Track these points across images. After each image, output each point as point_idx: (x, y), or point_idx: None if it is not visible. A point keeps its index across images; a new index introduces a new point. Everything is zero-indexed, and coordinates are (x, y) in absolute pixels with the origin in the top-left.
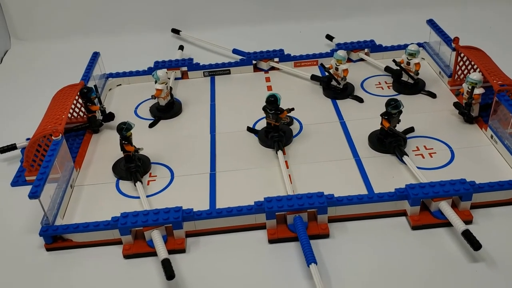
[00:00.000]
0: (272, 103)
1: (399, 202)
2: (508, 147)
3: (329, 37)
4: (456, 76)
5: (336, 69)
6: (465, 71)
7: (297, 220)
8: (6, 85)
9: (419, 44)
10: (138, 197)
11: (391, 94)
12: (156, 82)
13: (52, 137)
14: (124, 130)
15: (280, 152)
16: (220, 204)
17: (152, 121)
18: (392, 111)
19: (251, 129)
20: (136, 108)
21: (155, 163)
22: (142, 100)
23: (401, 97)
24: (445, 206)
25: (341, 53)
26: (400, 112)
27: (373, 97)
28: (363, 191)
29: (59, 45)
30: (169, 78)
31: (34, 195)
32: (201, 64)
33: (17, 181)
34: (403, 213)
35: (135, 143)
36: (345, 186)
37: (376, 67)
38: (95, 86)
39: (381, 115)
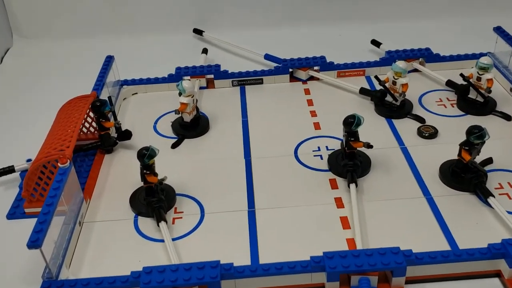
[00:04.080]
0: (348, 125)
1: (493, 262)
2: None
3: (376, 43)
4: None
5: (394, 83)
6: None
7: (364, 284)
8: (5, 90)
9: (482, 54)
10: (162, 240)
11: (456, 114)
12: (180, 94)
13: (58, 164)
14: (147, 157)
15: (353, 186)
16: (264, 255)
17: (175, 140)
18: (475, 141)
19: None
20: (155, 123)
21: (180, 194)
22: (162, 113)
23: (468, 118)
24: None
25: (402, 64)
26: (484, 142)
27: (435, 117)
28: (441, 240)
29: (66, 45)
30: None
31: (34, 244)
32: (229, 71)
33: (14, 212)
34: (496, 274)
35: (156, 167)
36: (418, 233)
37: (433, 80)
38: (109, 98)
39: (461, 145)
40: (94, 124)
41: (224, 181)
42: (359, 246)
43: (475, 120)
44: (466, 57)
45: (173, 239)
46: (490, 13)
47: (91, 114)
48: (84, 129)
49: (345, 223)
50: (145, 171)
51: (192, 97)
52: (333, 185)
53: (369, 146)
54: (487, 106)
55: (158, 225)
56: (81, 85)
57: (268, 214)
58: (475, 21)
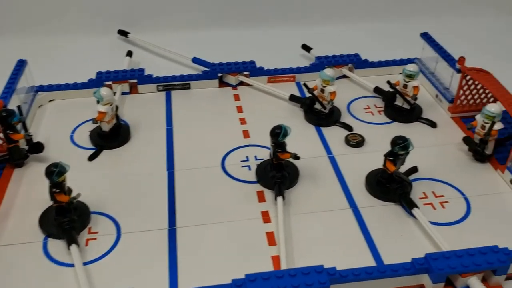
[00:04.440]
0: (275, 136)
1: (417, 277)
2: None
3: (306, 48)
4: (459, 101)
5: (322, 90)
6: (470, 98)
7: None
8: None
9: (410, 60)
10: (73, 265)
11: (384, 121)
12: (98, 102)
13: None
14: (56, 174)
15: (280, 199)
16: (184, 280)
17: (92, 152)
18: (400, 152)
19: None
20: (73, 132)
21: (96, 213)
22: (80, 121)
23: (395, 125)
24: (475, 284)
25: (329, 72)
26: (408, 153)
27: (363, 124)
28: (366, 254)
29: None
30: (114, 93)
31: None
32: (154, 76)
33: None
34: None
35: (70, 182)
36: (344, 248)
37: (362, 87)
38: (19, 107)
39: (385, 155)
40: (1, 135)
41: (144, 197)
42: (283, 265)
43: (402, 127)
44: (394, 63)
45: (85, 263)
46: (419, 18)
47: None
48: None
49: (271, 239)
50: (54, 189)
51: (110, 105)
52: (261, 197)
53: (296, 157)
54: (413, 113)
55: (68, 248)
56: None
57: (190, 233)
58: (405, 26)
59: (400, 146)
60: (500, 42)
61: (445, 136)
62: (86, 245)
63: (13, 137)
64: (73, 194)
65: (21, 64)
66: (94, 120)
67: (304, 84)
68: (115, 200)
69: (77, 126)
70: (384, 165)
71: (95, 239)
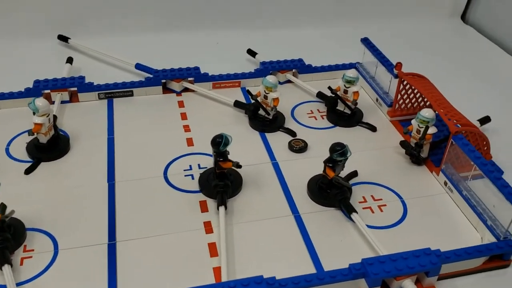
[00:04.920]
0: (216, 145)
1: (355, 282)
2: (467, 198)
3: (252, 53)
4: (397, 105)
5: (265, 97)
6: (408, 102)
7: None
8: None
9: (352, 65)
10: (5, 286)
11: (326, 126)
12: (34, 113)
13: None
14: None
15: (222, 208)
16: None
17: (30, 165)
18: (338, 158)
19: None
20: (8, 144)
21: (32, 229)
22: (17, 132)
23: (337, 130)
24: (409, 286)
25: (272, 79)
26: (347, 159)
27: (306, 130)
28: (307, 261)
29: None
30: (53, 102)
31: None
32: (95, 83)
33: None
34: None
35: (4, 198)
36: (285, 256)
37: (306, 91)
38: None
39: (325, 162)
40: None
41: (83, 211)
42: (224, 277)
43: (343, 132)
44: (337, 67)
45: (19, 284)
46: (363, 22)
47: None
48: None
49: (213, 250)
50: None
51: (47, 116)
52: (204, 207)
53: (238, 166)
54: (354, 118)
55: (0, 269)
56: None
57: (130, 247)
58: (349, 30)
59: (338, 153)
60: (443, 46)
61: (384, 139)
62: (21, 264)
63: None
64: (7, 211)
65: None
66: (30, 132)
67: (248, 91)
68: (53, 215)
69: (13, 138)
70: (324, 171)
71: (30, 257)
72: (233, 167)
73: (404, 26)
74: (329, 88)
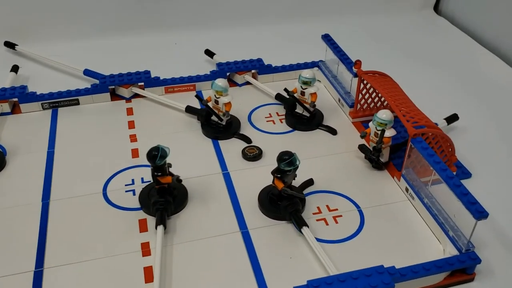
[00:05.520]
0: (152, 159)
1: None
2: (428, 207)
3: (209, 53)
4: (359, 106)
5: (216, 102)
6: (370, 101)
7: None
8: None
9: (314, 63)
10: None
11: (284, 130)
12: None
13: None
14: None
15: (160, 228)
16: None
17: None
18: (286, 168)
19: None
20: None
21: None
22: None
23: (296, 134)
24: None
25: (221, 82)
26: (296, 168)
27: (263, 135)
28: (251, 283)
29: None
30: None
31: None
32: (37, 93)
33: None
34: None
35: None
36: (229, 279)
37: (265, 94)
38: None
39: (273, 173)
40: None
41: (13, 234)
42: None
43: (302, 136)
44: (299, 67)
45: None
46: (325, 18)
47: None
48: None
49: (149, 275)
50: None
51: None
52: (143, 227)
53: (178, 180)
54: (313, 121)
55: None
56: None
57: (58, 274)
58: (310, 27)
59: (285, 162)
60: (415, 39)
61: (345, 143)
62: None
63: None
64: None
65: None
66: None
67: (197, 96)
68: None
69: None
70: (273, 182)
71: None
72: (173, 182)
73: (373, 20)
74: (285, 90)
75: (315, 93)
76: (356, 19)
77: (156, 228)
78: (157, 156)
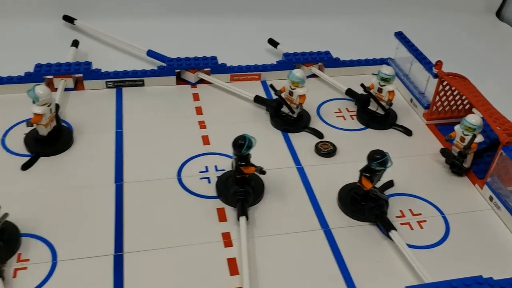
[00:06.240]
0: (238, 147)
1: None
2: None
3: (273, 43)
4: (435, 108)
5: (290, 93)
6: (446, 104)
7: None
8: None
9: (383, 60)
10: None
11: (356, 127)
12: (34, 102)
13: None
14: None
15: (243, 219)
16: None
17: (27, 159)
18: (377, 168)
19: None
20: (4, 135)
21: (27, 235)
22: (14, 122)
23: (368, 132)
24: None
25: (299, 73)
26: (386, 169)
27: (334, 131)
28: (340, 284)
29: None
30: (56, 89)
31: None
32: (103, 71)
33: None
34: None
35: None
36: (315, 277)
37: (333, 88)
38: None
39: (361, 171)
40: None
41: (87, 215)
42: None
43: (376, 135)
44: (367, 62)
45: None
46: (394, 15)
47: None
48: None
49: (233, 267)
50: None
51: (48, 105)
52: (222, 216)
53: (261, 171)
54: (387, 120)
55: None
56: None
57: (139, 260)
58: (379, 23)
59: (377, 162)
60: (476, 43)
61: (420, 145)
62: (14, 276)
63: None
64: (0, 213)
65: None
66: (29, 123)
67: (271, 86)
68: (52, 219)
69: (10, 128)
70: (360, 181)
71: (25, 268)
72: (256, 173)
73: (435, 21)
74: (362, 85)
75: (393, 91)
76: (415, 20)
77: (238, 219)
78: (243, 145)
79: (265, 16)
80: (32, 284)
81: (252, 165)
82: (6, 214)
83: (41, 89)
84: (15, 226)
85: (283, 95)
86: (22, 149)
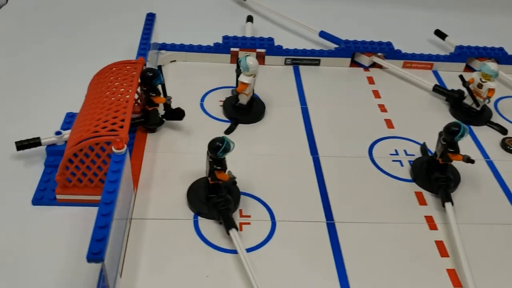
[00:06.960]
0: (451, 134)
1: None
2: None
3: (440, 34)
4: None
5: (479, 85)
6: None
7: None
8: (14, 38)
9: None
10: (232, 251)
11: None
12: (241, 72)
13: (113, 148)
14: (221, 151)
15: (448, 205)
16: (355, 280)
17: (225, 123)
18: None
19: None
20: (202, 100)
21: (245, 194)
22: (209, 88)
23: None
24: None
25: (494, 67)
26: None
27: None
28: None
29: None
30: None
31: (96, 257)
32: (284, 47)
33: (42, 197)
34: None
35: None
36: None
37: (508, 85)
38: (159, 68)
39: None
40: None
41: (292, 183)
42: (470, 284)
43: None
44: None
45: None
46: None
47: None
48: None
49: (442, 249)
50: (216, 166)
51: (254, 76)
52: (421, 200)
53: (469, 160)
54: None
55: (228, 233)
56: (110, 40)
57: (349, 230)
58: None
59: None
60: None
61: None
62: (241, 229)
63: (156, 100)
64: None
65: (151, 18)
66: (234, 91)
67: (461, 76)
68: (260, 182)
69: (206, 94)
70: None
71: (249, 223)
72: (463, 161)
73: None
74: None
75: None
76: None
77: (443, 205)
78: (457, 132)
79: (434, 7)
80: (258, 238)
81: (459, 153)
82: (234, 177)
83: (251, 60)
84: (235, 185)
85: (470, 86)
86: (219, 114)
